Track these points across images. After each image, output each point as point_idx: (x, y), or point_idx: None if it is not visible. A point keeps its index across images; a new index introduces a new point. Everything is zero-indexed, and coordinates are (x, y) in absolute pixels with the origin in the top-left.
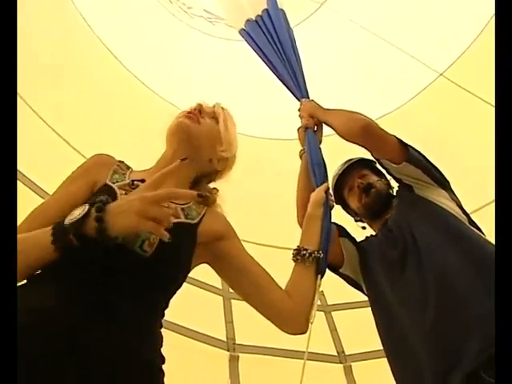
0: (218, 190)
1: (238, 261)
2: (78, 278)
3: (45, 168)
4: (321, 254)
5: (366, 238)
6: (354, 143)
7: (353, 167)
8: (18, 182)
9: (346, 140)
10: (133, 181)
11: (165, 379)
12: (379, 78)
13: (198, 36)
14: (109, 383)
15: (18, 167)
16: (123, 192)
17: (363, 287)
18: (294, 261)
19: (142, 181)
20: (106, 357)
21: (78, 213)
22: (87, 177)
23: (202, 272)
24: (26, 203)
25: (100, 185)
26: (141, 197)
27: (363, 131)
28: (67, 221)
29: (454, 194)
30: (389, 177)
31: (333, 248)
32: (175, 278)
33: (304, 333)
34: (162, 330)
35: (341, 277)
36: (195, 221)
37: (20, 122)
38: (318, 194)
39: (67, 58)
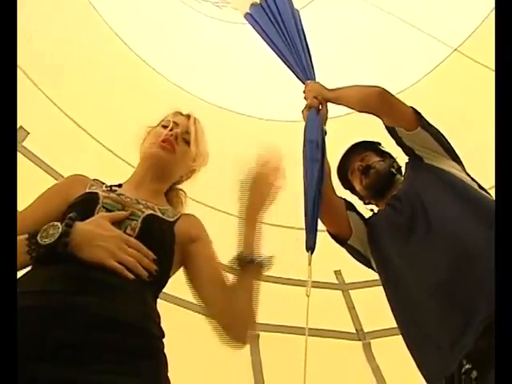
0: (185, 194)
1: (202, 266)
2: (70, 262)
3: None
4: (258, 258)
5: (374, 213)
6: (369, 112)
7: (354, 150)
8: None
9: (361, 111)
10: (111, 186)
11: (188, 360)
12: (392, 55)
13: (206, 20)
14: (104, 345)
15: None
16: (105, 195)
17: (371, 261)
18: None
19: (120, 185)
20: (101, 320)
21: (51, 232)
22: (64, 194)
23: (219, 253)
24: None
25: (76, 196)
26: (118, 239)
27: (380, 97)
28: (41, 239)
29: (463, 165)
30: (397, 152)
31: (340, 221)
32: (160, 259)
33: (242, 347)
34: (185, 311)
35: (348, 250)
36: (171, 219)
37: (32, 106)
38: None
39: (74, 42)
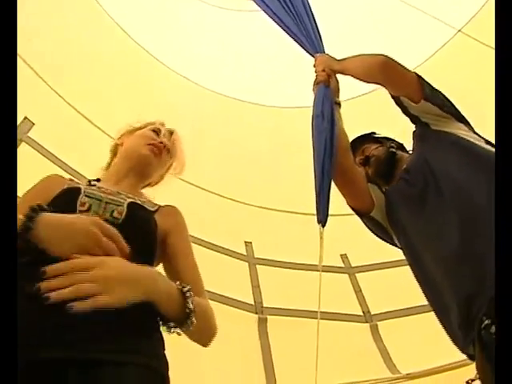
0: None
1: (175, 260)
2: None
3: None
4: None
5: (390, 186)
6: (374, 82)
7: (353, 148)
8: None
9: (366, 81)
10: (89, 181)
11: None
12: (395, 37)
13: (209, 9)
14: (101, 325)
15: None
16: (86, 187)
17: (392, 235)
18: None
19: (98, 180)
20: None
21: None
22: (43, 194)
23: (227, 239)
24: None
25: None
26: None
27: (383, 65)
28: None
29: (470, 125)
30: (403, 122)
31: (361, 194)
32: (147, 238)
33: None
34: None
35: (369, 225)
36: (152, 209)
37: (37, 97)
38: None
39: (77, 34)
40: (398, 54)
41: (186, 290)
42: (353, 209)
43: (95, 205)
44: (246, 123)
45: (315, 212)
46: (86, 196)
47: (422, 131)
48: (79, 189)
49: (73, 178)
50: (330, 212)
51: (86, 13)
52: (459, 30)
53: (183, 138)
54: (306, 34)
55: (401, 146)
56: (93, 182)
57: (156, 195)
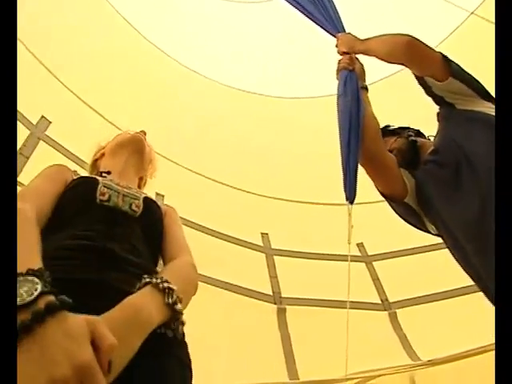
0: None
1: (166, 229)
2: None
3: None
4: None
5: (420, 170)
6: (398, 63)
7: None
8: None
9: (391, 62)
10: (101, 172)
11: (224, 334)
12: (409, 21)
13: (218, 2)
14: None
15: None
16: (101, 179)
17: (425, 221)
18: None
19: (108, 172)
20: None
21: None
22: (64, 176)
23: (244, 231)
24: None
25: (69, 181)
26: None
27: (408, 45)
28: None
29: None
30: (425, 101)
31: (394, 181)
32: (159, 234)
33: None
34: (215, 289)
35: (401, 210)
36: (158, 202)
37: (52, 96)
38: None
39: (90, 33)
40: None
41: (154, 281)
42: (384, 196)
43: (114, 196)
44: (260, 115)
45: (331, 202)
46: (104, 186)
47: (447, 111)
48: (96, 179)
49: (76, 170)
50: (344, 202)
51: (98, 12)
52: (472, 13)
53: (197, 132)
54: (326, 14)
55: (418, 133)
56: (104, 174)
57: (172, 189)
